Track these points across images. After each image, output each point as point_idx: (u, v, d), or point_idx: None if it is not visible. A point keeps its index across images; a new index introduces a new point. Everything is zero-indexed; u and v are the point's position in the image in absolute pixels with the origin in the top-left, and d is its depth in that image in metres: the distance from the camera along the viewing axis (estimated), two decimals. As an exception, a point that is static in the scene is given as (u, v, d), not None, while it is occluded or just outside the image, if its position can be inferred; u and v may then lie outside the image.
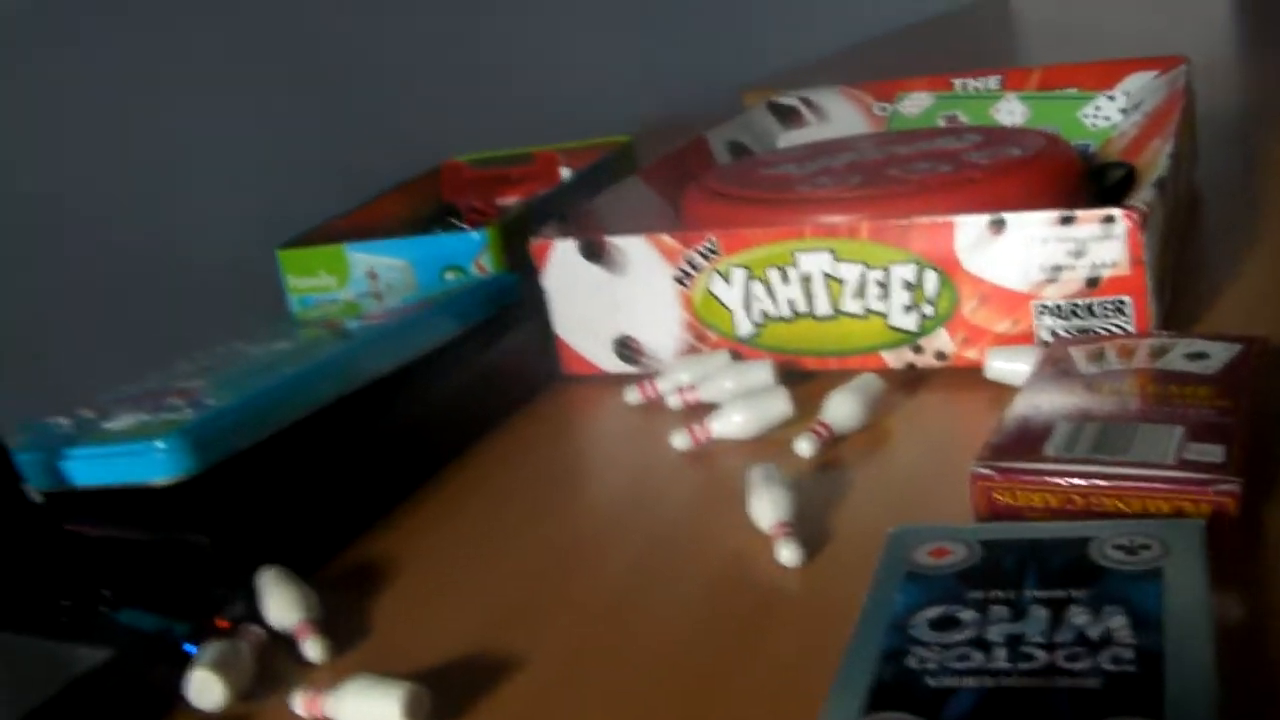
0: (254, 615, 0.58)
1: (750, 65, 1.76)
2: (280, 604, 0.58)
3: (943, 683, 0.41)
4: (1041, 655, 0.41)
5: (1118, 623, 0.42)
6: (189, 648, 0.55)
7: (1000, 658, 0.41)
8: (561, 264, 0.80)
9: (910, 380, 0.74)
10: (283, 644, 0.57)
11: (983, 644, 0.42)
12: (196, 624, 0.57)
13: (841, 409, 0.68)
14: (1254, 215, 0.93)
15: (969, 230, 0.71)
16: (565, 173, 1.12)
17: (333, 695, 0.51)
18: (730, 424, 0.70)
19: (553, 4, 1.48)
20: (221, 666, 0.54)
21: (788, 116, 1.14)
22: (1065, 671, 0.40)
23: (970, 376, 0.72)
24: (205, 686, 0.53)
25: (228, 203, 1.07)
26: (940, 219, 0.71)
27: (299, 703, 0.52)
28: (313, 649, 0.56)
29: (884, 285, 0.73)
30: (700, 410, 0.73)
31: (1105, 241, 0.68)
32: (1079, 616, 0.43)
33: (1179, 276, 0.80)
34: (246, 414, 0.64)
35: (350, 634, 0.58)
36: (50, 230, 0.94)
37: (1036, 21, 2.16)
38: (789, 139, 1.12)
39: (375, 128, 1.22)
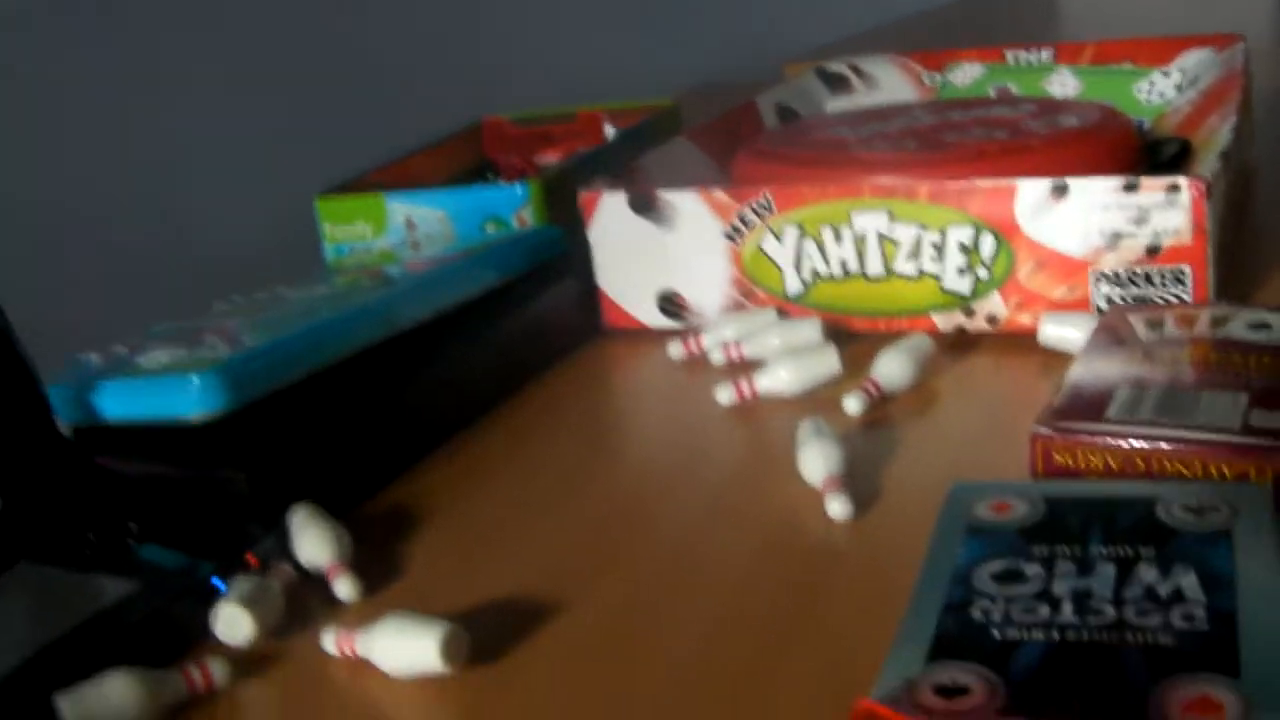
0: (285, 554, 0.57)
1: (791, 40, 1.75)
2: (312, 543, 0.57)
3: (1008, 634, 0.40)
4: (1110, 611, 0.40)
5: (1188, 582, 0.41)
6: (217, 583, 0.55)
7: (1067, 612, 0.40)
8: (609, 217, 0.79)
9: (959, 344, 0.73)
10: (314, 584, 0.56)
11: (1049, 598, 0.41)
12: (226, 561, 0.56)
13: (891, 367, 0.67)
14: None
15: (1030, 194, 0.69)
16: (609, 131, 1.11)
17: (367, 633, 0.50)
18: (777, 380, 0.69)
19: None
20: (250, 602, 0.53)
21: (836, 83, 1.13)
22: (1136, 627, 0.39)
23: (1021, 342, 0.71)
24: (233, 621, 0.52)
25: (235, 198, 1.06)
26: (1002, 182, 0.70)
27: (331, 640, 0.51)
28: (344, 588, 0.55)
29: (939, 247, 0.72)
30: (745, 367, 0.72)
31: (1168, 210, 0.67)
32: (1148, 574, 0.42)
33: (1235, 252, 0.79)
34: (284, 353, 0.64)
35: (383, 576, 0.57)
36: (50, 230, 0.93)
37: (1081, 6, 2.15)
38: (837, 106, 1.11)
39: (406, 98, 1.21)
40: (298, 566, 0.57)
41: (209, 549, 0.57)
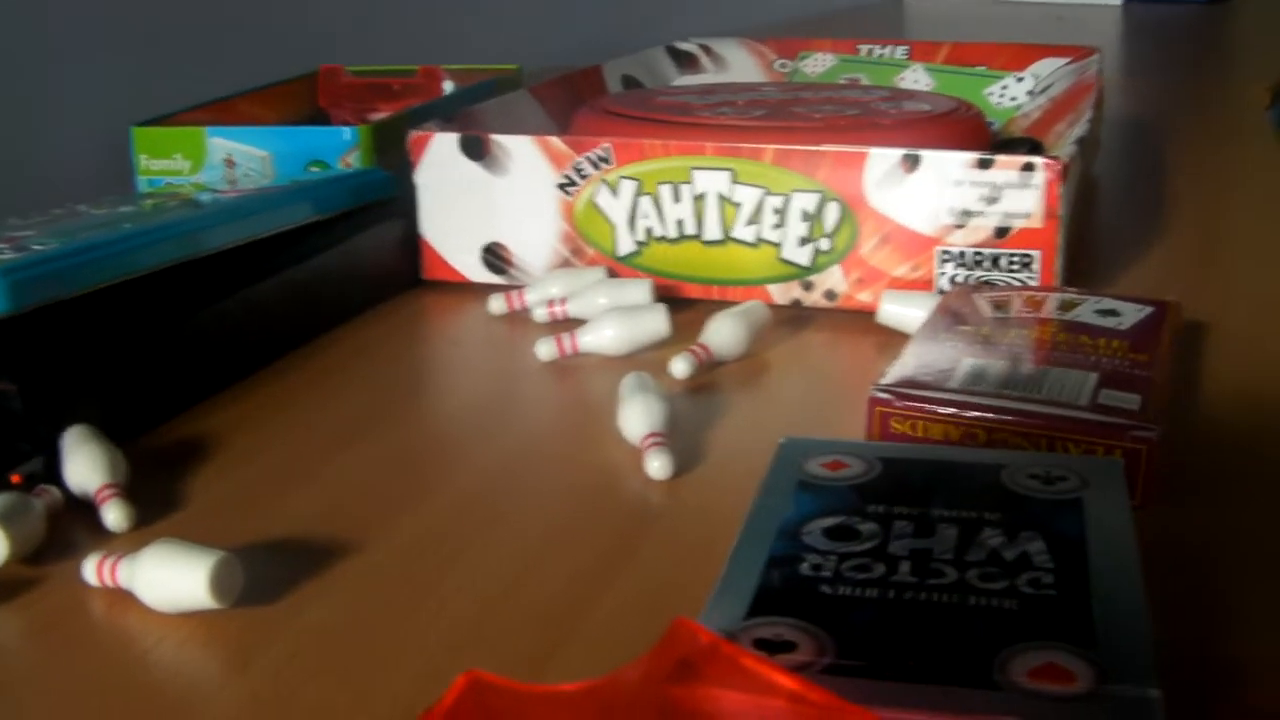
0: (55, 478, 0.52)
1: (647, 34, 1.72)
2: (83, 465, 0.51)
3: (840, 591, 0.36)
4: (951, 572, 0.36)
5: (1036, 548, 0.37)
6: (-27, 500, 0.49)
7: (904, 571, 0.36)
8: (438, 160, 0.74)
9: (796, 318, 0.69)
10: (83, 511, 0.51)
11: (885, 556, 0.37)
12: (-14, 477, 0.50)
13: (723, 332, 0.63)
14: (1149, 208, 0.90)
15: (881, 164, 0.66)
16: (449, 88, 1.06)
17: (131, 561, 0.44)
18: (601, 338, 0.64)
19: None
20: (5, 520, 0.47)
21: (685, 61, 1.09)
22: (979, 590, 0.35)
23: (859, 320, 0.68)
24: (-17, 538, 0.46)
25: (76, 90, 0.99)
26: (852, 149, 0.67)
27: (91, 568, 0.45)
28: (113, 514, 0.49)
29: (781, 213, 0.68)
30: (569, 326, 0.68)
31: (1022, 190, 0.64)
32: (993, 538, 0.38)
33: (1077, 252, 0.77)
34: (74, 263, 0.58)
35: (160, 508, 0.51)
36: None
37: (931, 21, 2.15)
38: (684, 83, 1.08)
39: (250, 31, 1.15)
40: (67, 491, 0.51)
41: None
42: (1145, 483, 0.47)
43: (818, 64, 1.07)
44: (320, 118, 1.06)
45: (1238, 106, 1.36)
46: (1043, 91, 0.98)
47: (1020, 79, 1.01)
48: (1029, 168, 0.64)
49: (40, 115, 0.97)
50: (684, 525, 0.48)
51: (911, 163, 0.66)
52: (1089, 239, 0.83)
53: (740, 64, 1.09)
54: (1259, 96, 1.40)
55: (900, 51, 1.06)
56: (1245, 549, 0.45)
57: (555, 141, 0.71)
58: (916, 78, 1.04)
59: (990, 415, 0.48)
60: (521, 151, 0.72)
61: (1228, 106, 1.38)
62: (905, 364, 0.53)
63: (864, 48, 1.07)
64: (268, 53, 1.16)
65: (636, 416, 0.54)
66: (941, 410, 0.49)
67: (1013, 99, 1.00)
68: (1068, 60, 1.01)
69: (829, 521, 0.40)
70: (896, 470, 0.43)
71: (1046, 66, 1.01)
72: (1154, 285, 0.74)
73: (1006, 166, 0.65)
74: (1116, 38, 2.15)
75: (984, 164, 0.65)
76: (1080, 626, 0.33)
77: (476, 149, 0.73)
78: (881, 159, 0.66)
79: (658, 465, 0.52)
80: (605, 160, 0.70)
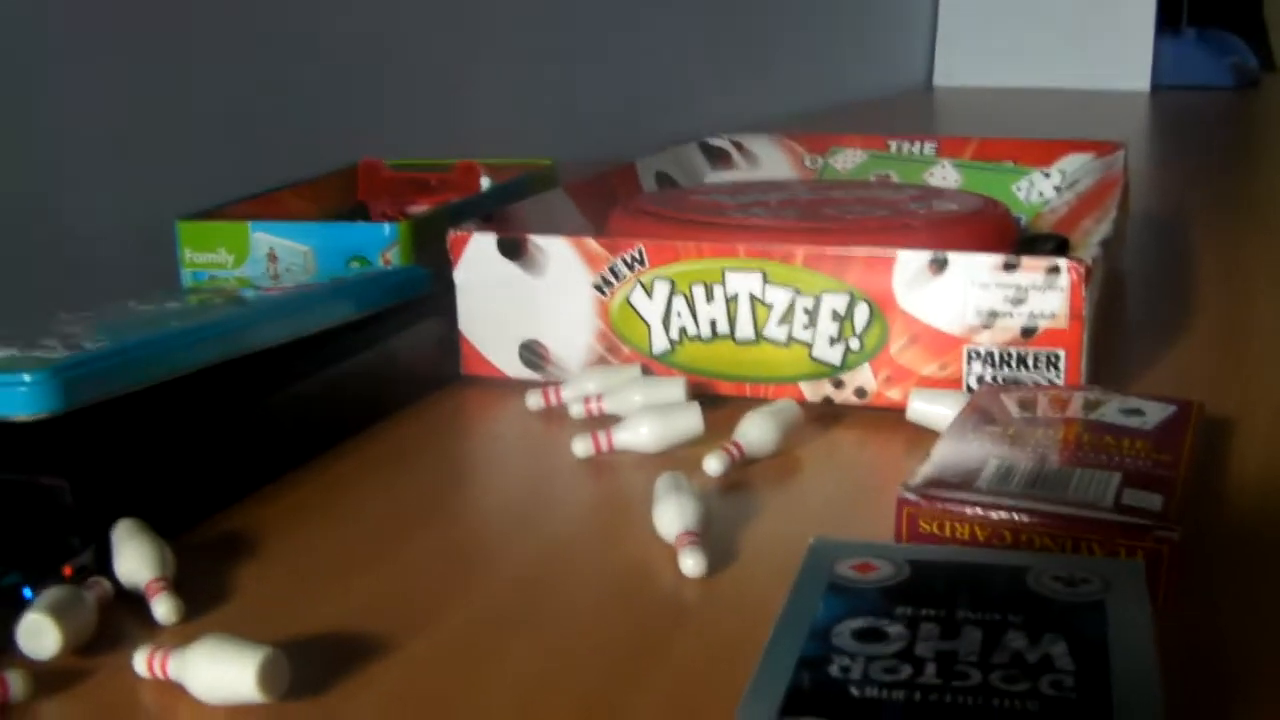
0: (105, 569, 0.53)
1: (675, 125, 1.75)
2: (133, 559, 0.53)
3: (867, 693, 0.37)
4: (976, 674, 0.38)
5: (1058, 650, 0.39)
6: (27, 593, 0.51)
7: (930, 673, 0.38)
8: (477, 259, 0.76)
9: (825, 415, 0.71)
10: (133, 603, 0.52)
11: (911, 658, 0.39)
12: (40, 570, 0.52)
13: (756, 431, 0.65)
14: (1175, 303, 0.91)
15: (909, 266, 0.68)
16: (485, 183, 1.08)
17: (181, 654, 0.46)
18: (636, 435, 0.66)
19: (484, 39, 1.45)
20: (58, 612, 0.48)
21: (717, 157, 1.12)
22: (1001, 692, 0.37)
23: (889, 418, 0.69)
24: (38, 631, 0.48)
25: (118, 181, 1.02)
26: (881, 251, 0.68)
27: (142, 660, 0.47)
28: (162, 607, 0.51)
29: (811, 314, 0.70)
30: (604, 422, 0.70)
31: (1047, 292, 0.66)
32: (1016, 640, 0.39)
33: (1104, 347, 0.79)
34: (123, 361, 0.60)
35: (207, 601, 0.53)
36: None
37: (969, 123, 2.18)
38: (717, 179, 1.10)
39: (298, 126, 1.18)
40: (117, 583, 0.53)
41: (23, 557, 0.53)
42: (1167, 583, 0.48)
43: (848, 160, 1.09)
44: (360, 210, 1.09)
45: (1266, 196, 1.38)
46: (1069, 187, 1.00)
47: (1047, 174, 1.03)
48: (1054, 270, 0.66)
49: (86, 203, 1.00)
50: (718, 623, 0.50)
51: (939, 265, 0.67)
52: (1117, 335, 0.84)
53: (772, 160, 1.11)
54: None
55: (929, 147, 1.08)
56: (1265, 650, 0.47)
57: (591, 243, 0.73)
58: (945, 174, 1.06)
59: (1015, 516, 0.49)
60: (558, 252, 0.74)
61: (1256, 196, 1.40)
62: (933, 464, 0.54)
63: (893, 144, 1.09)
64: (306, 142, 1.19)
65: (671, 515, 0.55)
66: (968, 511, 0.50)
67: (1040, 194, 1.02)
68: (1093, 155, 1.02)
69: (858, 623, 0.41)
70: (924, 573, 0.44)
71: (1073, 162, 1.03)
72: (1180, 380, 0.75)
73: (1032, 269, 0.66)
74: (1145, 126, 2.17)
75: (1009, 266, 0.67)
76: (1100, 729, 0.35)
77: (514, 249, 0.75)
78: (910, 261, 0.68)
79: (692, 564, 0.53)
80: (640, 261, 0.72)
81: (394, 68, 1.31)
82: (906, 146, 1.09)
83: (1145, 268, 1.03)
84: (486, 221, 0.80)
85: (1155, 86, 2.61)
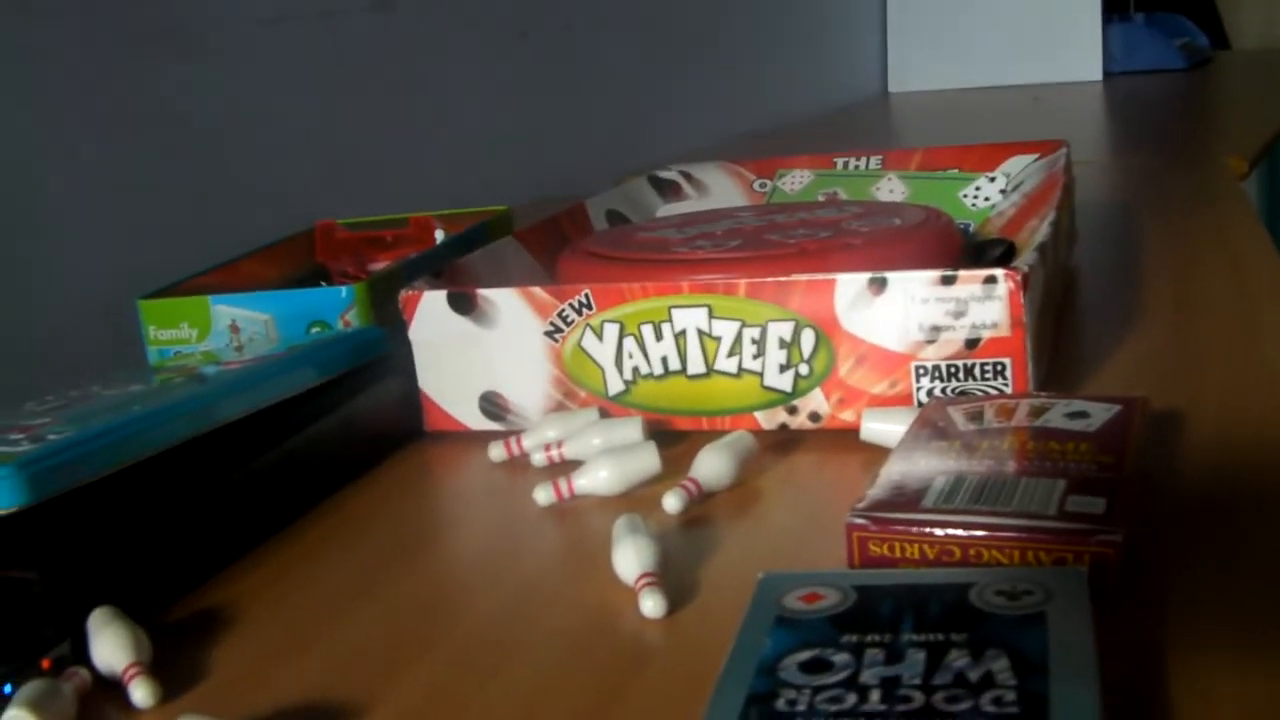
0: (82, 658, 0.54)
1: (631, 154, 1.76)
2: (108, 646, 0.54)
3: (813, 725, 0.38)
4: (919, 697, 0.38)
5: (1000, 665, 0.39)
6: (6, 689, 0.51)
7: (874, 699, 0.38)
8: (430, 316, 0.77)
9: (783, 442, 0.72)
10: (111, 689, 0.53)
11: (857, 686, 0.39)
12: (17, 665, 0.53)
13: (711, 465, 0.65)
14: (1128, 294, 0.92)
15: (849, 288, 0.69)
16: (440, 236, 1.09)
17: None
18: (595, 479, 0.67)
19: (433, 85, 1.46)
20: (37, 705, 0.49)
21: (667, 189, 1.13)
22: (944, 714, 0.37)
23: (845, 439, 0.70)
24: (17, 727, 0.49)
25: (83, 258, 1.03)
26: (820, 276, 0.69)
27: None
28: (139, 691, 0.52)
29: (759, 343, 0.70)
30: (566, 468, 0.70)
31: (986, 302, 0.67)
32: (959, 660, 0.40)
33: (1056, 348, 0.79)
34: (88, 449, 0.60)
35: (184, 680, 0.54)
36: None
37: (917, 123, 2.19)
38: (668, 211, 1.11)
39: (248, 193, 1.19)
40: (94, 671, 0.54)
41: (0, 652, 0.54)
42: (1113, 585, 0.49)
43: (796, 181, 1.10)
44: (320, 272, 1.09)
45: (1214, 175, 1.39)
46: (1015, 189, 1.01)
47: (992, 178, 1.04)
48: (991, 280, 0.67)
49: (40, 283, 1.00)
50: (677, 662, 0.50)
51: (879, 285, 0.68)
52: (1071, 332, 0.85)
53: (721, 187, 1.12)
54: (1235, 165, 1.43)
55: (874, 162, 1.09)
56: (1209, 646, 0.47)
57: (538, 292, 0.74)
58: (892, 186, 1.07)
59: (961, 533, 0.50)
60: (507, 304, 0.75)
61: (1206, 176, 1.41)
62: (880, 485, 0.55)
63: (840, 160, 1.10)
64: (262, 207, 1.20)
65: (629, 558, 0.56)
66: (914, 531, 0.51)
67: (986, 199, 1.03)
68: (1037, 156, 1.03)
69: (804, 655, 0.42)
70: (870, 598, 0.45)
71: (1017, 164, 1.04)
72: (1132, 375, 0.76)
73: (969, 281, 0.67)
74: (1100, 113, 2.19)
75: (947, 280, 0.67)
76: (1038, 743, 0.35)
77: (464, 304, 0.76)
78: (849, 284, 0.69)
79: (650, 605, 0.54)
80: (587, 305, 0.73)
81: (346, 128, 1.32)
82: (853, 163, 1.10)
83: (1097, 260, 1.04)
84: (437, 277, 0.80)
85: (1108, 74, 2.63)
